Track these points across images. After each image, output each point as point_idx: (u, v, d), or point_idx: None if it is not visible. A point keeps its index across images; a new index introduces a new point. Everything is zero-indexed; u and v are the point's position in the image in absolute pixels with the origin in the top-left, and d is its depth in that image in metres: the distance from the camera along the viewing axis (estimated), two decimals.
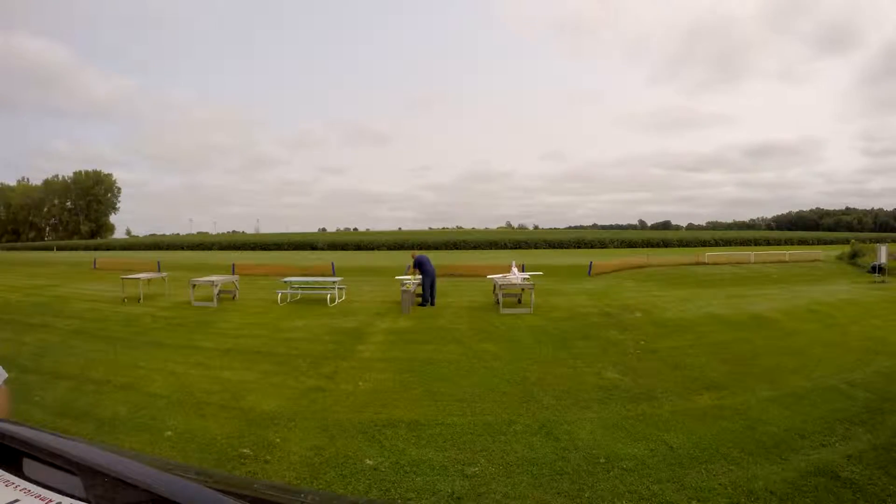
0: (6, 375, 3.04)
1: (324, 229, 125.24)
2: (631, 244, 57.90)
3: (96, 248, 59.29)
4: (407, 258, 14.40)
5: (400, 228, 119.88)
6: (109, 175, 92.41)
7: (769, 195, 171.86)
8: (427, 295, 11.94)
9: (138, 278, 13.76)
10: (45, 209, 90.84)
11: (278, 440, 4.35)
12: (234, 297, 13.25)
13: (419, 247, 55.47)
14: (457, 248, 54.85)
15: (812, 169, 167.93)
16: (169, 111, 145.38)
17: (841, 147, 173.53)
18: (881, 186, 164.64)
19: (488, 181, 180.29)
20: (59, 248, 62.78)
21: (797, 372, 6.36)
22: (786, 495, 3.41)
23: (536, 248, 56.31)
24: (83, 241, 74.21)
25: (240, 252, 52.84)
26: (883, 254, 17.67)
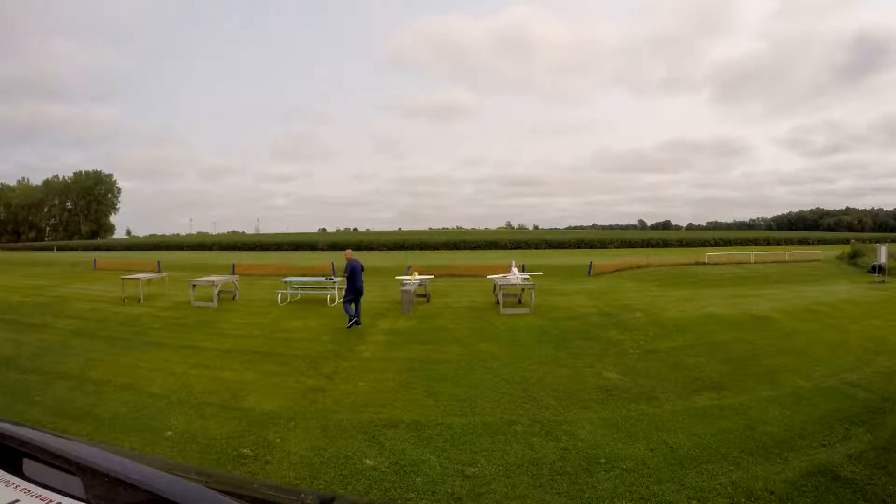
0: None
1: (324, 229, 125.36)
2: (631, 244, 57.85)
3: (96, 249, 59.22)
4: (408, 258, 14.37)
5: (400, 228, 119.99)
6: (110, 175, 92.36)
7: (732, 194, 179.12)
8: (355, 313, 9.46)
9: (138, 278, 13.77)
10: (45, 209, 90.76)
11: (278, 440, 4.35)
12: (234, 298, 13.25)
13: (420, 247, 55.48)
14: (457, 248, 54.81)
15: (759, 168, 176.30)
16: (127, 129, 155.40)
17: (768, 147, 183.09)
18: (851, 185, 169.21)
19: (434, 184, 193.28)
20: (60, 249, 62.73)
21: (797, 372, 6.36)
22: (786, 495, 3.41)
23: (536, 248, 56.30)
24: (83, 242, 74.11)
25: (240, 252, 52.85)
26: (883, 254, 17.66)
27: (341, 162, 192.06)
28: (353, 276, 9.48)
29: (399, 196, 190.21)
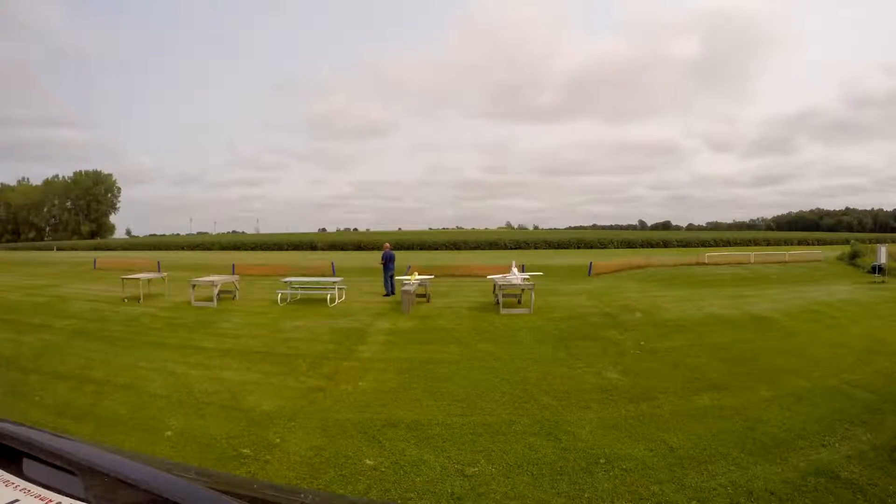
0: None
1: (324, 229, 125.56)
2: (631, 244, 57.82)
3: (96, 249, 59.21)
4: (408, 258, 14.48)
5: (400, 229, 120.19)
6: (110, 175, 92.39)
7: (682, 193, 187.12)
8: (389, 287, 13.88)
9: (138, 278, 13.76)
10: (45, 209, 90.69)
11: (278, 440, 4.35)
12: (234, 298, 13.25)
13: (420, 247, 55.47)
14: (457, 249, 54.80)
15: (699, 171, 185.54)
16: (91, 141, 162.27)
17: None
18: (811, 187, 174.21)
19: (388, 189, 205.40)
20: (60, 248, 62.72)
21: (797, 372, 6.36)
22: (786, 495, 3.41)
23: (536, 248, 56.29)
24: (83, 241, 74.07)
25: (240, 252, 52.85)
26: (883, 254, 17.64)
27: (291, 172, 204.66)
28: (387, 262, 14.10)
29: (363, 199, 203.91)
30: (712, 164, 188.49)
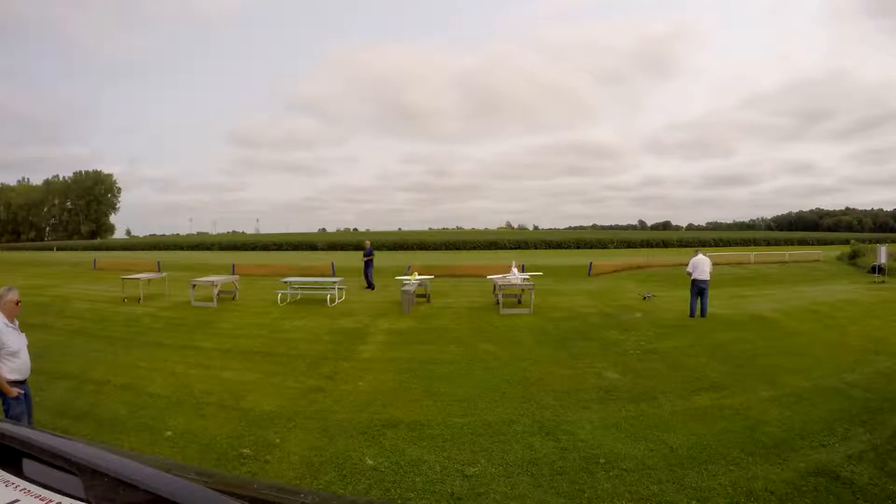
0: None
1: (324, 229, 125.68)
2: (630, 244, 57.87)
3: (96, 249, 59.21)
4: (408, 258, 14.51)
5: (400, 229, 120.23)
6: (110, 175, 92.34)
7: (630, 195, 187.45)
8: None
9: (138, 278, 13.76)
10: (45, 209, 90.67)
11: (278, 440, 4.35)
12: (234, 298, 13.25)
13: (420, 247, 55.52)
14: (457, 249, 54.81)
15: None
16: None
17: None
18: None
19: (358, 192, 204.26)
20: (60, 248, 62.73)
21: (797, 372, 6.36)
22: (786, 495, 3.41)
23: (536, 248, 56.30)
24: (83, 241, 74.09)
25: (240, 252, 52.85)
26: (883, 254, 17.63)
27: (255, 177, 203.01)
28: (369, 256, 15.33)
29: (339, 203, 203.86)
30: (661, 167, 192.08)
